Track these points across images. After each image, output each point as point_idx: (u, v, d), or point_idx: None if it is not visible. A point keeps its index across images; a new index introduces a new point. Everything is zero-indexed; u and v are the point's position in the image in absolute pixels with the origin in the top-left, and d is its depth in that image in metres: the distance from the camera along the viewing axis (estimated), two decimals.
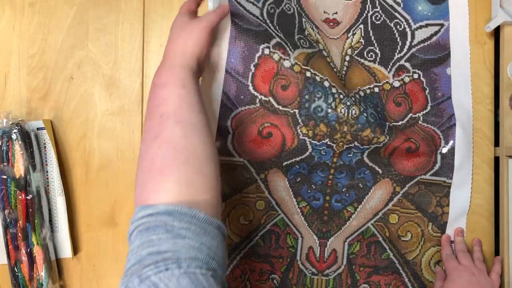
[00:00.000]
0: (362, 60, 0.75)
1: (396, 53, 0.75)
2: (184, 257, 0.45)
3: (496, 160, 0.75)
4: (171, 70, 0.59)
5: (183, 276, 0.43)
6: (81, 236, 0.78)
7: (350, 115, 0.71)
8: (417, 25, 0.75)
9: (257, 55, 0.71)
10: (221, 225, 0.50)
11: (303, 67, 0.71)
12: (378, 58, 0.75)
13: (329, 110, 0.71)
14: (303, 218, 0.74)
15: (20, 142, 0.71)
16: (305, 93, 0.71)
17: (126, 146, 0.78)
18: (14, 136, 0.71)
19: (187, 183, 0.50)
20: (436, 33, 0.75)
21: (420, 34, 0.75)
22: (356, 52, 0.75)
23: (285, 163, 0.73)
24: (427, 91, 0.74)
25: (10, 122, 0.72)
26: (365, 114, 0.71)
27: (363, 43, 0.75)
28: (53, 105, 0.78)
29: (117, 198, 0.77)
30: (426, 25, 0.75)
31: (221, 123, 0.72)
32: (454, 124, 0.74)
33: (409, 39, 0.75)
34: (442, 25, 0.75)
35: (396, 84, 0.74)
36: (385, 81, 0.74)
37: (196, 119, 0.55)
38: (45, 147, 0.76)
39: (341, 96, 0.71)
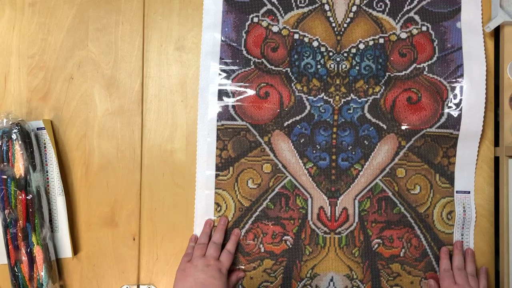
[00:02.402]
0: (370, 11, 0.76)
1: (406, 5, 0.76)
2: None
3: (496, 160, 0.75)
4: None
5: None
6: (81, 236, 0.78)
7: (340, 69, 0.75)
8: None
9: (247, 23, 0.77)
10: None
11: (291, 30, 0.77)
12: (387, 9, 0.76)
13: (319, 66, 0.75)
14: (311, 179, 0.76)
15: (20, 142, 0.72)
16: (293, 53, 0.77)
17: (126, 146, 0.78)
18: (14, 136, 0.71)
19: None
20: None
21: None
22: (365, 2, 0.77)
23: (286, 123, 0.76)
24: (435, 43, 0.76)
25: (10, 122, 0.72)
26: (357, 68, 0.75)
27: None
28: (53, 105, 0.78)
29: (117, 198, 0.77)
30: None
31: (221, 88, 0.76)
32: (462, 75, 0.74)
33: None
34: None
35: (403, 35, 0.76)
36: (391, 32, 0.76)
37: None
38: (45, 147, 0.76)
39: (330, 54, 0.76)
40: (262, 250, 0.76)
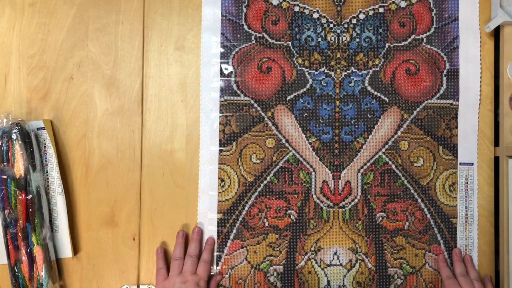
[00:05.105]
0: None
1: None
2: None
3: (496, 160, 0.75)
4: None
5: None
6: (81, 236, 0.78)
7: (340, 41, 0.76)
8: None
9: None
10: None
11: (291, 2, 0.78)
12: None
13: (319, 39, 0.76)
14: (314, 153, 0.77)
15: (20, 142, 0.72)
16: (294, 25, 0.77)
17: (126, 146, 0.78)
18: (14, 136, 0.72)
19: None
20: None
21: None
22: None
23: (288, 98, 0.77)
24: (433, 12, 0.77)
25: (10, 122, 0.72)
26: (357, 40, 0.76)
27: None
28: (53, 105, 0.78)
29: (117, 198, 0.77)
30: None
31: (223, 63, 0.77)
32: (458, 47, 0.76)
33: None
34: None
35: (403, 4, 0.77)
36: (391, 1, 0.77)
37: None
38: (45, 147, 0.76)
39: (331, 25, 0.76)
40: (266, 224, 0.77)
